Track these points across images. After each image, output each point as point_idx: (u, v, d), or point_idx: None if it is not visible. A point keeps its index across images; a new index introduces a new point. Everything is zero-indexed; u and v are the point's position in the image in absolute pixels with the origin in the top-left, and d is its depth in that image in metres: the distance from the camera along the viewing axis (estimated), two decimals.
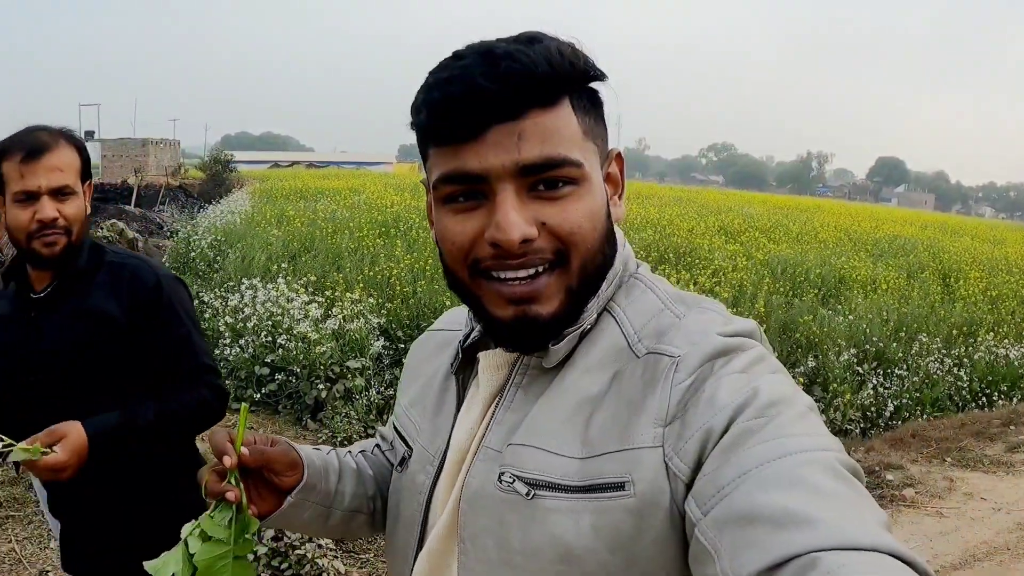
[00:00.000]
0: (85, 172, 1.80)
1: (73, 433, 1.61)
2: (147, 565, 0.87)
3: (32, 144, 1.72)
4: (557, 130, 0.77)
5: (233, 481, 0.88)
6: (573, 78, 0.79)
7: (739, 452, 0.67)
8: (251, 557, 0.92)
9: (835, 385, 6.71)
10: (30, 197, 1.71)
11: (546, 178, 0.77)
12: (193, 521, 0.88)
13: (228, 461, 0.88)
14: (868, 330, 8.07)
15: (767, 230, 17.84)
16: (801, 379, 6.53)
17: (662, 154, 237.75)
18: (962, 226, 30.67)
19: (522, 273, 0.79)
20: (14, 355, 1.80)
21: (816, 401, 5.52)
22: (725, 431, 0.69)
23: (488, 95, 0.74)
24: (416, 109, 0.80)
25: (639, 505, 0.72)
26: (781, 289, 9.89)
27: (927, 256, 16.47)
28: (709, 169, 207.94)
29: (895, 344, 7.98)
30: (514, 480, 0.79)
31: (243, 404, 0.95)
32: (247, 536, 0.89)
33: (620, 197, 0.88)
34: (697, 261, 11.47)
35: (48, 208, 1.70)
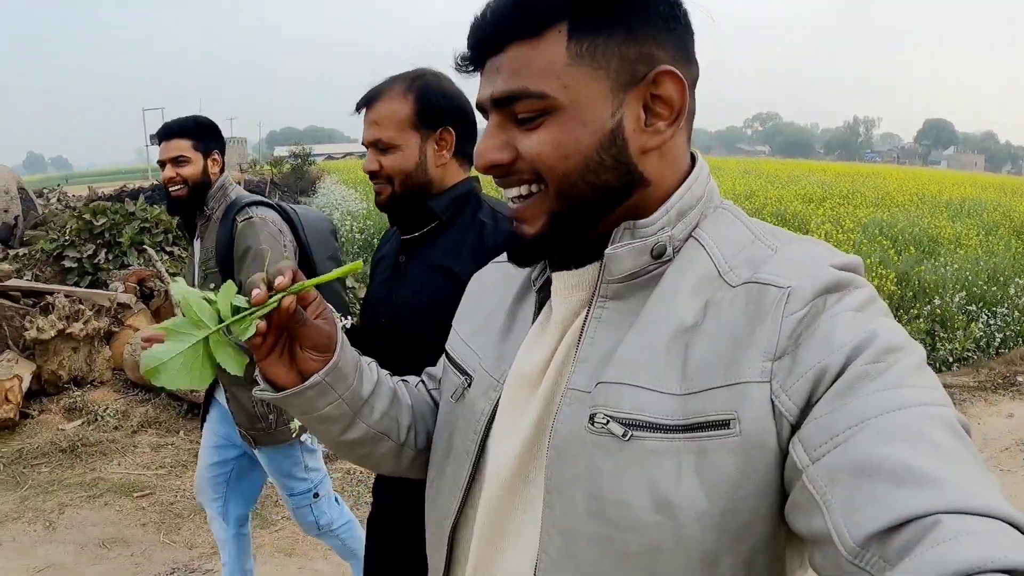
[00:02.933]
0: (422, 120, 1.70)
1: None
2: (173, 286, 0.84)
3: (365, 95, 1.74)
4: (529, 62, 0.76)
5: (274, 300, 0.81)
6: (565, 3, 0.75)
7: (857, 397, 0.62)
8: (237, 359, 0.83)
9: (953, 322, 8.14)
10: (367, 147, 1.74)
11: (514, 110, 0.78)
12: (232, 286, 0.83)
13: (279, 280, 0.82)
14: (970, 277, 9.48)
15: (846, 196, 19.07)
16: (923, 322, 7.95)
17: (706, 127, 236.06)
18: (1020, 187, 31.24)
19: (512, 192, 0.81)
20: (384, 297, 1.79)
21: (937, 338, 6.96)
22: (840, 373, 0.64)
23: (482, 31, 0.78)
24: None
25: (744, 445, 0.67)
26: (881, 249, 11.28)
27: (997, 215, 17.60)
28: (755, 139, 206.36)
29: (995, 288, 9.36)
30: (608, 421, 0.73)
31: (358, 263, 0.90)
32: (228, 344, 0.82)
33: (674, 122, 0.79)
34: (800, 228, 12.88)
35: (369, 160, 1.73)
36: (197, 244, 2.77)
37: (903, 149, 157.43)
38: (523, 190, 0.80)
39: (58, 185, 17.44)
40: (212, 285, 2.63)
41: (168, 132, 2.66)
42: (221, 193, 2.71)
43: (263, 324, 0.82)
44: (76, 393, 5.40)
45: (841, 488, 0.59)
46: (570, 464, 0.76)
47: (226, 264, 2.63)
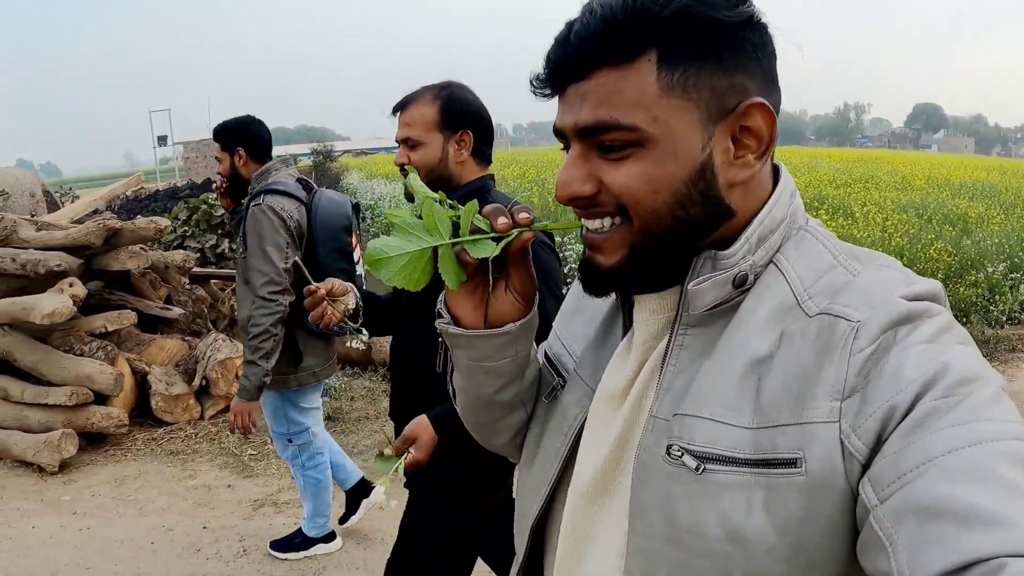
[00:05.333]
0: (446, 123, 1.98)
1: (423, 434, 1.74)
2: (388, 212, 0.85)
3: (400, 101, 2.03)
4: (619, 91, 0.73)
5: (515, 229, 0.82)
6: (661, 29, 0.72)
7: (925, 435, 0.61)
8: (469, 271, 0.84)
9: (1000, 288, 9.28)
10: (399, 143, 2.02)
11: (601, 141, 0.75)
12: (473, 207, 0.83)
13: (523, 216, 0.83)
14: (1008, 248, 10.67)
15: (865, 181, 20.21)
16: (979, 288, 9.09)
17: None
18: (1019, 169, 32.37)
19: (593, 224, 0.79)
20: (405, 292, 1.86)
21: (984, 301, 8.10)
22: (910, 409, 0.63)
23: (564, 56, 0.76)
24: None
25: (810, 485, 0.66)
26: (916, 228, 12.44)
27: (1009, 196, 18.79)
28: None
29: None
30: (683, 453, 0.74)
31: (579, 221, 0.85)
32: (475, 253, 0.81)
33: (762, 155, 0.77)
34: (845, 212, 14.03)
35: (400, 154, 2.01)
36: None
37: (894, 134, 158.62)
38: (606, 223, 0.78)
39: (70, 189, 18.37)
40: (240, 250, 3.09)
41: (213, 137, 3.23)
42: (262, 177, 3.14)
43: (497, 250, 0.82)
44: None
45: (907, 529, 0.57)
46: (649, 490, 0.76)
47: (247, 243, 3.03)
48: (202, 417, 5.32)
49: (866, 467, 0.64)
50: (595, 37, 0.73)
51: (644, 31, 0.72)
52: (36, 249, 5.10)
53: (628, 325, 0.90)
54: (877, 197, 16.36)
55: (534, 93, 0.81)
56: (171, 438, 5.06)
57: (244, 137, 3.17)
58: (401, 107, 2.01)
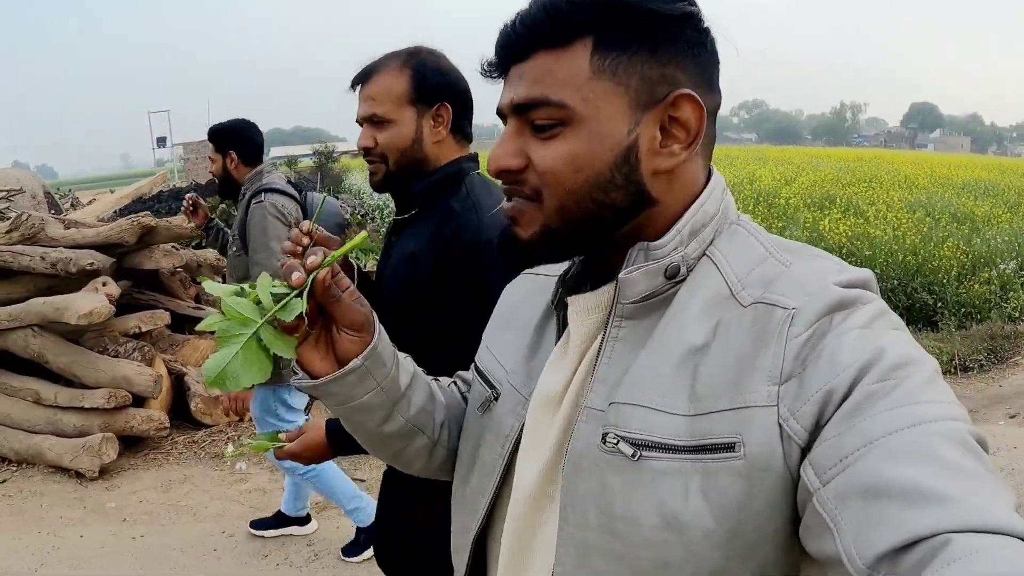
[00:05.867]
0: (419, 96, 1.67)
1: (313, 432, 1.60)
2: (207, 284, 0.87)
3: (360, 71, 1.71)
4: (552, 72, 0.76)
5: (309, 277, 0.82)
6: (598, 16, 0.76)
7: (864, 418, 0.62)
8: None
9: (1011, 284, 9.34)
10: (359, 125, 1.72)
11: (532, 118, 0.78)
12: (268, 276, 0.85)
13: (312, 260, 0.83)
14: (1018, 246, 10.72)
15: (869, 180, 20.29)
16: (992, 285, 9.13)
17: None
18: (1018, 168, 32.53)
19: (511, 204, 0.82)
20: (380, 273, 1.83)
21: (996, 298, 8.17)
22: (848, 393, 0.64)
23: (510, 38, 0.79)
24: None
25: (748, 468, 0.67)
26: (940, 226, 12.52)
27: (1012, 194, 18.89)
28: (742, 127, 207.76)
29: None
30: (618, 441, 0.74)
31: (364, 232, 0.86)
32: (278, 333, 0.82)
33: (690, 145, 0.79)
34: (856, 212, 14.10)
35: (364, 136, 1.70)
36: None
37: (890, 133, 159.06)
38: (518, 204, 0.81)
39: (69, 190, 18.35)
40: (234, 249, 3.17)
41: (208, 137, 3.36)
42: (256, 178, 3.24)
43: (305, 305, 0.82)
44: None
45: (850, 510, 0.58)
46: (583, 480, 0.77)
47: (245, 242, 3.10)
48: (241, 419, 5.14)
49: (805, 450, 0.66)
50: (536, 22, 0.77)
51: (582, 18, 0.76)
52: (66, 247, 4.93)
53: (560, 331, 0.90)
54: (883, 196, 16.44)
55: (483, 75, 0.84)
56: (213, 441, 4.96)
57: (237, 141, 3.28)
58: (362, 79, 1.70)
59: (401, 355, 0.98)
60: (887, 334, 0.68)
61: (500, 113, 0.83)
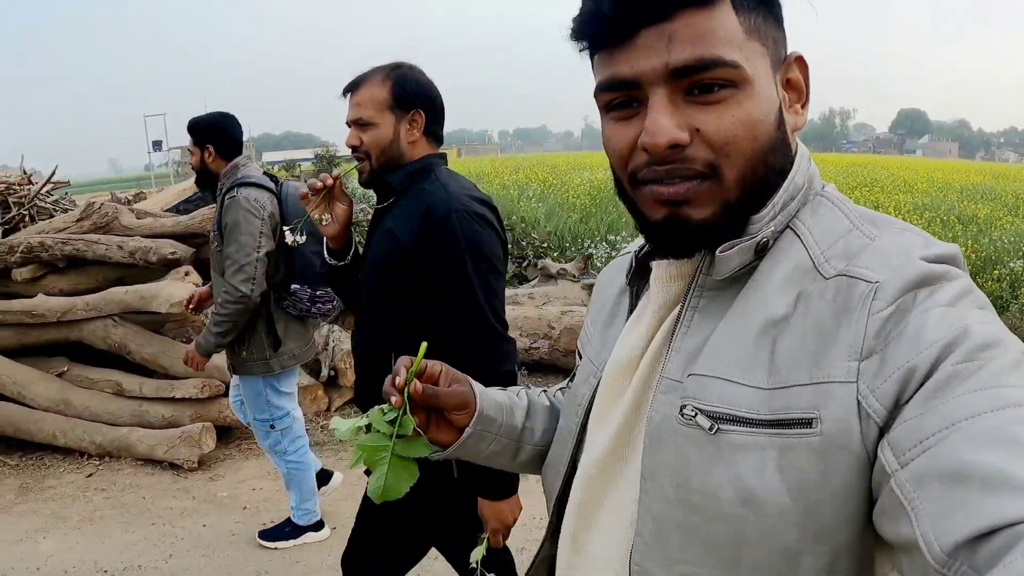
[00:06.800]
0: (397, 103, 1.98)
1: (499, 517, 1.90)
2: (333, 421, 0.97)
3: (350, 82, 2.02)
4: (712, 30, 0.71)
5: (404, 395, 0.92)
6: None
7: (947, 399, 0.59)
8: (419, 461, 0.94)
9: (1020, 282, 9.67)
10: (351, 125, 2.01)
11: (700, 81, 0.72)
12: (378, 407, 0.94)
13: (399, 380, 0.91)
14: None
15: (868, 184, 20.67)
16: (1003, 283, 9.45)
17: None
18: (1010, 172, 33.04)
19: (678, 188, 0.75)
20: (364, 258, 2.08)
21: (1008, 295, 8.51)
22: (931, 373, 0.62)
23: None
24: (574, 19, 0.77)
25: (825, 446, 0.66)
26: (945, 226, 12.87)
27: (1009, 198, 19.31)
28: None
29: None
30: (696, 414, 0.73)
31: (424, 342, 0.96)
32: (409, 440, 0.93)
33: (804, 105, 0.80)
34: None
35: (351, 136, 2.00)
36: None
37: (878, 139, 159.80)
38: (688, 186, 0.74)
39: (66, 194, 18.45)
40: (215, 244, 3.24)
41: (187, 130, 3.36)
42: (232, 172, 3.27)
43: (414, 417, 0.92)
44: None
45: (930, 494, 0.56)
46: (662, 451, 0.76)
47: (223, 234, 3.16)
48: (329, 408, 5.22)
49: (883, 430, 0.64)
50: None
51: None
52: (143, 237, 4.89)
53: (633, 305, 0.93)
54: (889, 200, 16.81)
55: (589, 40, 0.78)
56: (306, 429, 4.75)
57: (216, 135, 3.29)
58: (352, 88, 2.02)
59: (513, 392, 1.08)
60: (972, 313, 0.66)
61: (630, 84, 0.75)
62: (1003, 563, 0.49)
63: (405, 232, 1.89)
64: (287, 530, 3.64)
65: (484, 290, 1.85)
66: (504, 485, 1.89)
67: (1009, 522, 0.51)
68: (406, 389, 0.91)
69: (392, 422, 0.92)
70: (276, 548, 3.59)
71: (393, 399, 0.91)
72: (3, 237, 5.20)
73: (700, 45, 0.71)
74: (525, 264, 8.93)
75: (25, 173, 6.18)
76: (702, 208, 0.75)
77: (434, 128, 2.05)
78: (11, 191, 5.85)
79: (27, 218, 5.77)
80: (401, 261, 1.89)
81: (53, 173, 6.34)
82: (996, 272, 9.73)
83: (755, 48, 0.74)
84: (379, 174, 2.00)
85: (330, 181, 1.97)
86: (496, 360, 1.87)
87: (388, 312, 1.96)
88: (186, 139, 3.31)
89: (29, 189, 6.08)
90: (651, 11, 0.72)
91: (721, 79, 0.72)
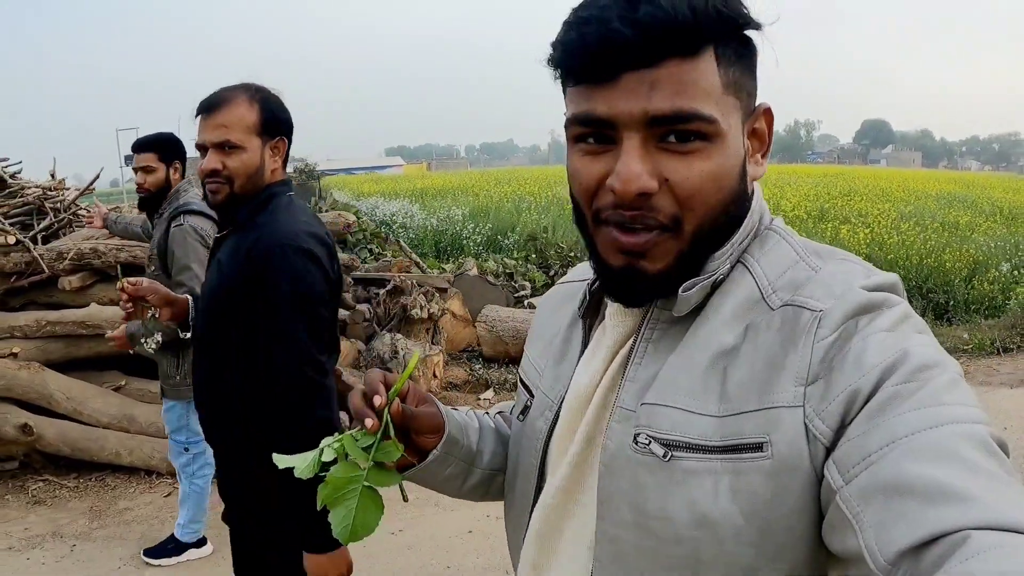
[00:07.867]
0: (265, 128, 1.87)
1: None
2: (276, 457, 0.86)
3: (208, 100, 1.87)
4: (693, 82, 0.72)
5: (383, 417, 0.84)
6: (718, 26, 0.73)
7: (888, 418, 0.63)
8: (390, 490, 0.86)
9: (1009, 284, 10.04)
10: (202, 150, 1.86)
11: (676, 130, 0.73)
12: (334, 435, 0.86)
13: (378, 400, 0.85)
14: (1008, 250, 11.53)
15: (847, 195, 21.17)
16: (997, 284, 9.82)
17: None
18: (978, 181, 33.95)
19: (638, 239, 0.76)
20: (205, 285, 2.02)
21: (999, 294, 8.92)
22: (872, 394, 0.65)
23: (623, 41, 0.71)
24: (554, 46, 0.77)
25: (776, 468, 0.69)
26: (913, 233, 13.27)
27: (986, 205, 19.93)
28: None
29: None
30: (650, 441, 0.75)
31: (416, 352, 0.89)
32: (385, 468, 0.85)
33: (764, 155, 0.83)
34: (856, 222, 14.83)
35: (211, 159, 1.84)
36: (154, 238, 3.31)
37: (843, 149, 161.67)
38: (649, 237, 0.76)
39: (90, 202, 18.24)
40: (152, 268, 3.24)
41: (139, 146, 3.34)
42: (174, 196, 3.27)
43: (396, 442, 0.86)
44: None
45: (873, 507, 0.59)
46: (617, 479, 0.78)
47: (164, 261, 3.14)
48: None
49: (830, 450, 0.67)
50: (666, 24, 0.71)
51: (707, 25, 0.72)
52: None
53: (587, 337, 0.93)
54: (869, 208, 17.27)
55: (568, 72, 0.77)
56: None
57: (181, 152, 3.31)
58: (211, 107, 1.86)
59: (464, 412, 1.05)
60: (912, 337, 0.69)
61: (598, 122, 0.76)
62: (943, 570, 0.52)
63: (231, 265, 1.85)
64: (170, 547, 3.69)
65: (302, 329, 1.78)
66: (329, 536, 1.77)
67: (948, 531, 0.54)
68: (386, 410, 0.86)
69: (367, 449, 0.84)
70: (160, 565, 3.66)
71: (368, 422, 0.84)
72: (43, 244, 5.13)
73: (681, 96, 0.72)
74: (552, 273, 9.21)
75: (53, 178, 6.18)
76: (658, 261, 0.77)
77: (287, 156, 2.00)
78: (47, 196, 5.86)
79: (69, 224, 5.78)
80: (229, 295, 1.85)
81: (97, 177, 6.38)
82: (990, 275, 10.11)
83: (730, 103, 0.76)
84: (236, 202, 1.90)
85: (129, 288, 2.06)
86: (307, 404, 1.77)
87: (217, 345, 1.91)
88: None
89: (63, 194, 6.08)
90: (639, 55, 0.72)
91: (696, 131, 0.74)
